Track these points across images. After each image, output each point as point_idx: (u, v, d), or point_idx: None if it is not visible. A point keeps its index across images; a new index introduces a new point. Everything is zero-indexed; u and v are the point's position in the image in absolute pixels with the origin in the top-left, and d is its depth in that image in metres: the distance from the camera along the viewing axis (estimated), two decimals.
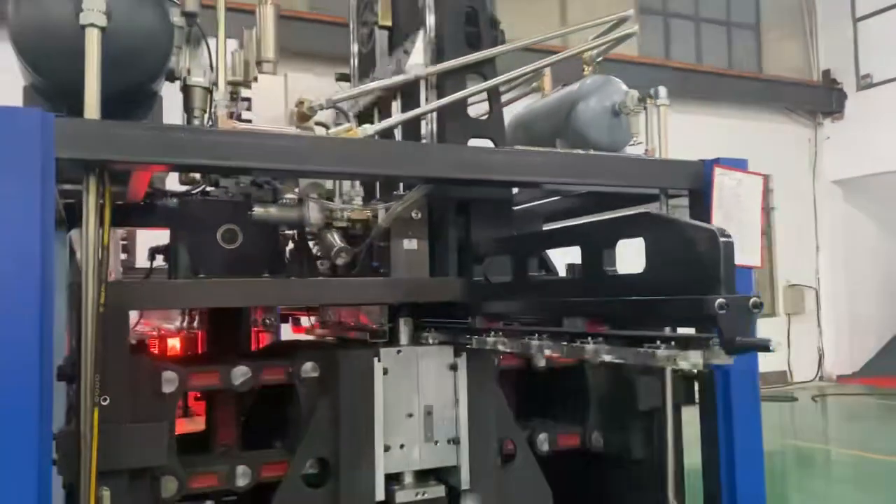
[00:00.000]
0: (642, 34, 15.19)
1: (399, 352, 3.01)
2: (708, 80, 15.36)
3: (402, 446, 2.95)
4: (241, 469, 2.80)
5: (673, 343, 1.86)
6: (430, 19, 3.23)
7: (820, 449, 10.15)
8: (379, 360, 2.93)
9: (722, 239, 1.80)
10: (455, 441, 3.02)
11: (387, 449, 2.91)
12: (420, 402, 3.00)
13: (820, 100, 16.61)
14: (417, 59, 3.21)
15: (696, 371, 3.19)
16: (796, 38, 17.00)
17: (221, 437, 3.18)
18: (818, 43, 16.96)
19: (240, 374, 2.84)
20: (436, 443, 3.00)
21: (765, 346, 1.74)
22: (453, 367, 3.06)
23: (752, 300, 1.77)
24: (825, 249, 16.45)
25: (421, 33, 3.21)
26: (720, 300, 1.73)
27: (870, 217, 17.00)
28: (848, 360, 16.40)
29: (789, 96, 16.30)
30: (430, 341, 3.06)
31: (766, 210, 16.23)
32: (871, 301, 16.74)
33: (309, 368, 2.94)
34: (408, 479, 2.99)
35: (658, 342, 1.88)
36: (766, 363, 15.95)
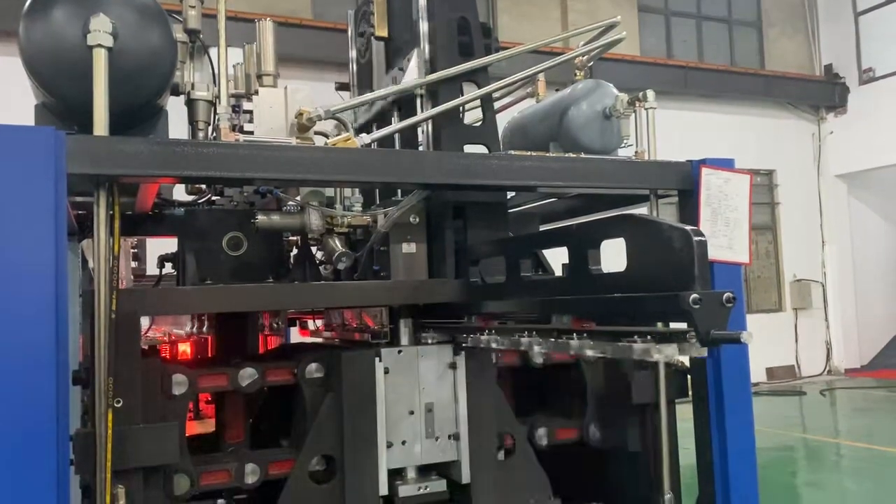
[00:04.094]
0: (643, 33, 15.28)
1: (400, 352, 3.11)
2: (710, 77, 15.42)
3: (403, 443, 3.05)
4: (249, 467, 2.91)
5: (649, 337, 1.96)
6: (424, 27, 3.34)
7: (829, 442, 10.18)
8: (380, 360, 3.04)
9: (696, 238, 1.89)
10: (455, 437, 3.12)
11: (389, 445, 3.01)
12: (421, 400, 3.11)
13: (822, 95, 16.64)
14: (412, 77, 3.32)
15: (688, 366, 3.31)
16: (798, 34, 17.03)
17: (230, 437, 3.29)
18: (820, 38, 16.99)
19: (247, 375, 2.95)
20: (437, 439, 3.10)
21: (737, 339, 1.83)
22: (453, 366, 3.16)
23: (725, 295, 1.86)
24: (831, 244, 16.46)
25: (416, 52, 3.32)
26: (694, 296, 1.81)
27: (875, 210, 17.01)
28: (856, 353, 16.40)
29: (792, 92, 16.34)
30: (430, 341, 3.16)
31: (772, 205, 16.27)
32: (878, 294, 16.74)
33: (313, 369, 3.05)
34: (410, 473, 3.10)
35: (636, 336, 1.98)
36: (774, 358, 16.07)
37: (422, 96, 3.31)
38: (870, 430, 10.67)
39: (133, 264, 5.99)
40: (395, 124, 3.37)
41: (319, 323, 4.35)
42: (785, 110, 16.53)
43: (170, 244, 3.73)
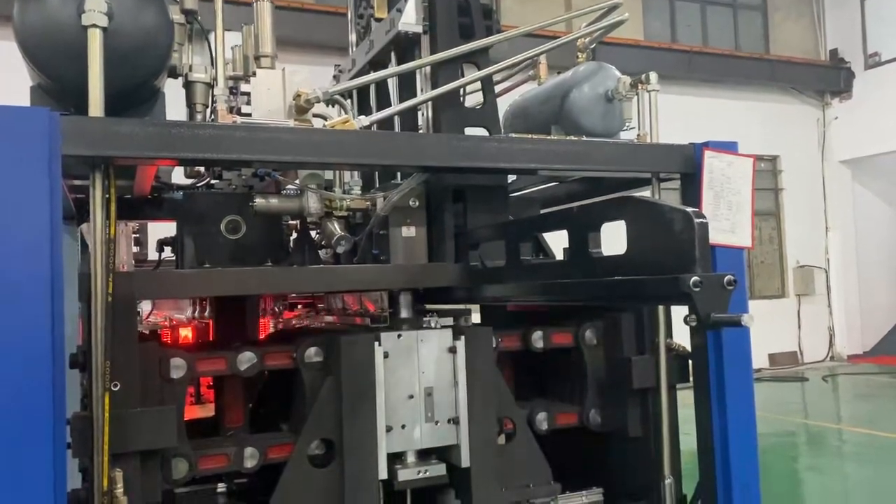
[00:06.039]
0: (647, 17, 15.18)
1: (399, 336, 3.09)
2: (714, 61, 15.34)
3: (403, 427, 3.03)
4: (248, 451, 2.90)
5: None
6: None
7: (830, 428, 10.19)
8: (380, 345, 3.01)
9: (697, 220, 1.87)
10: (455, 421, 3.10)
11: (389, 430, 2.99)
12: (421, 384, 3.09)
13: (828, 79, 16.55)
14: (410, 17, 3.26)
15: (689, 350, 3.29)
16: (803, 18, 16.90)
17: (230, 422, 3.29)
18: (825, 22, 16.86)
19: (245, 359, 2.93)
20: (436, 423, 3.08)
21: (737, 322, 1.81)
22: (453, 350, 3.14)
23: (726, 278, 1.84)
24: (835, 230, 16.42)
25: None
26: (695, 278, 1.80)
27: (879, 197, 16.95)
28: (858, 339, 16.40)
29: (797, 76, 16.24)
30: (426, 325, 3.15)
31: (775, 191, 16.21)
32: (881, 280, 16.72)
33: (312, 353, 3.03)
34: (410, 457, 3.08)
35: None
36: (777, 344, 16.08)
37: (422, 72, 3.25)
38: (872, 416, 10.68)
39: (135, 249, 5.98)
40: (395, 106, 3.34)
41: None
42: (789, 95, 16.43)
43: (172, 229, 3.72)
